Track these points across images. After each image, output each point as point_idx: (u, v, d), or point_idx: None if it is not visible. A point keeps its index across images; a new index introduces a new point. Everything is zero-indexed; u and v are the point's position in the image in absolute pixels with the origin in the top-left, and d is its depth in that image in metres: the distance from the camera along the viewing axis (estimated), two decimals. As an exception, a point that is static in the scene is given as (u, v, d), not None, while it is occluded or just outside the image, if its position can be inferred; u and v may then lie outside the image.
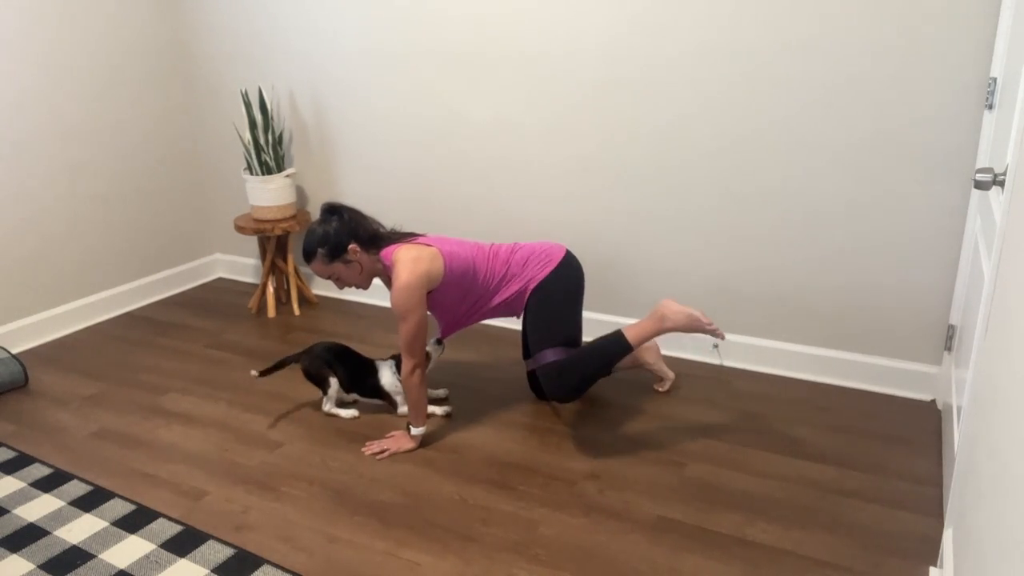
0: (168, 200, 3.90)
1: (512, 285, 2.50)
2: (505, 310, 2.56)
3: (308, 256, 2.45)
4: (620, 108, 2.91)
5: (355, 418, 2.65)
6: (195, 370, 3.07)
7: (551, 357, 2.43)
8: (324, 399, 2.67)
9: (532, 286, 2.48)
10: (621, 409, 2.69)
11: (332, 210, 2.48)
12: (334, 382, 2.63)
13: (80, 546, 2.04)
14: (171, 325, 3.54)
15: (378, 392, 2.67)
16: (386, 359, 2.71)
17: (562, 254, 2.53)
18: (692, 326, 2.37)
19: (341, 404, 2.69)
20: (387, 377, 2.66)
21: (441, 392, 2.79)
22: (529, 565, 1.94)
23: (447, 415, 2.66)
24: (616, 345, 2.43)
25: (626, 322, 3.15)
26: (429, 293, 2.44)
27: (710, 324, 2.36)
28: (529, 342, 2.53)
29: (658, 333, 2.40)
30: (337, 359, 2.66)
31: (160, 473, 2.37)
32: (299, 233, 3.76)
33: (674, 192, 2.91)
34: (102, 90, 3.48)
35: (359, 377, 2.66)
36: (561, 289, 2.49)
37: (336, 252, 2.43)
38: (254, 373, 2.70)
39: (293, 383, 2.85)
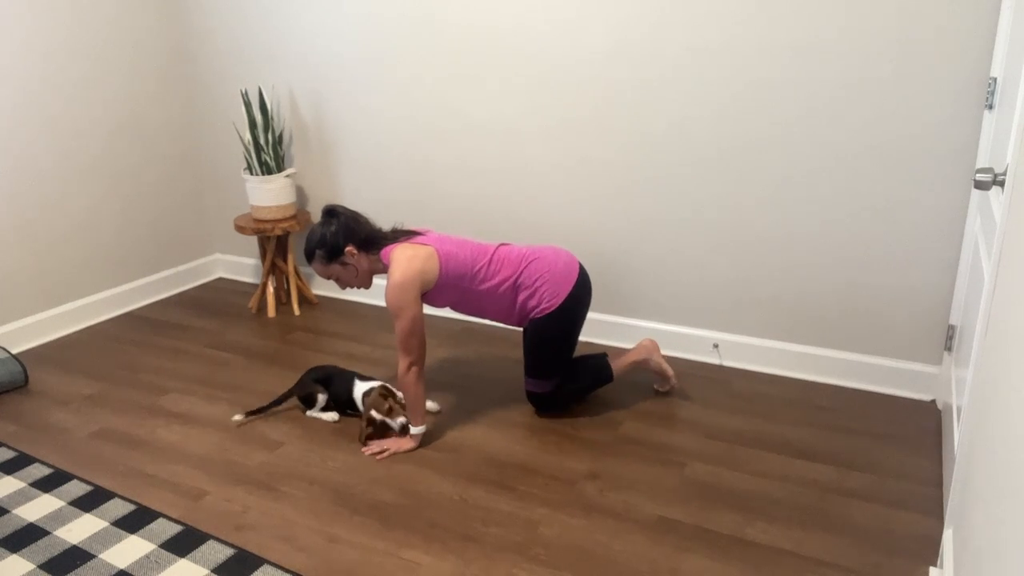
0: (168, 200, 3.90)
1: (519, 300, 2.49)
2: (508, 322, 2.57)
3: (308, 257, 2.53)
4: (621, 110, 2.90)
5: (336, 421, 2.64)
6: (195, 370, 3.07)
7: (537, 389, 2.60)
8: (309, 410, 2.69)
9: (540, 313, 2.47)
10: (621, 409, 2.69)
11: (330, 212, 2.52)
12: (321, 397, 2.64)
13: (80, 546, 2.04)
14: (171, 325, 3.54)
15: (352, 403, 2.60)
16: (371, 380, 2.62)
17: (575, 277, 2.50)
18: (663, 375, 2.74)
19: (322, 410, 2.68)
20: (358, 390, 2.58)
21: (433, 406, 2.71)
22: (529, 565, 1.94)
23: (437, 412, 2.66)
24: (601, 377, 2.66)
25: (626, 322, 3.16)
26: (425, 295, 2.45)
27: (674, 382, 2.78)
28: (524, 355, 2.57)
29: (639, 367, 2.74)
30: (323, 380, 2.66)
31: (160, 473, 2.37)
32: (299, 233, 3.76)
33: (675, 193, 2.91)
34: (102, 91, 3.48)
35: (343, 391, 2.62)
36: (566, 321, 2.49)
37: (333, 254, 2.48)
38: (238, 417, 2.66)
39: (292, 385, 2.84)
